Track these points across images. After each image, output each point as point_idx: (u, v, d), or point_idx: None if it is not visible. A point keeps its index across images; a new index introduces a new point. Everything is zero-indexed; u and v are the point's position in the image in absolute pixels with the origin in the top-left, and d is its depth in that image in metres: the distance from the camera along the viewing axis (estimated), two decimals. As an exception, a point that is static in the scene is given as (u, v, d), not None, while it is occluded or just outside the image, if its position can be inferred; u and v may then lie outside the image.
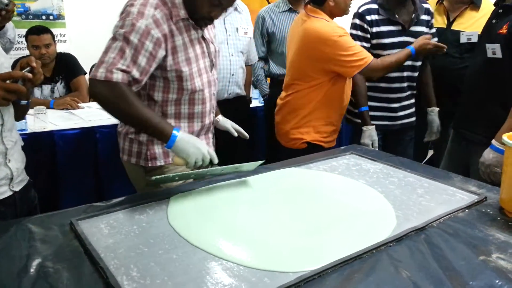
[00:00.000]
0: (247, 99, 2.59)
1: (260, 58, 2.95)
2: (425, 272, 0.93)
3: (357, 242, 1.04)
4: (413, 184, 1.45)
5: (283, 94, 2.29)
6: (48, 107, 2.64)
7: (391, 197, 1.35)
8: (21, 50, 3.71)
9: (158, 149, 1.53)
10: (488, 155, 1.75)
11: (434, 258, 0.99)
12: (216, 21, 2.23)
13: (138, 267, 0.93)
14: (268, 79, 3.05)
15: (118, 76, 1.26)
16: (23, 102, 1.34)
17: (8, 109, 1.25)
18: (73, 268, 0.93)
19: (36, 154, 2.16)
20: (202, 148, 1.29)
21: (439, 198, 1.35)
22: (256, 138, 3.12)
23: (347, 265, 0.95)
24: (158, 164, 1.54)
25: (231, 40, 2.24)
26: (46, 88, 3.02)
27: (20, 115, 1.39)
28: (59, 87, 3.04)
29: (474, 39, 2.40)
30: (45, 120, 2.31)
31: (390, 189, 1.41)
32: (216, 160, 1.33)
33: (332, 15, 2.15)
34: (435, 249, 1.03)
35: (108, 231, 1.10)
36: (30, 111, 2.34)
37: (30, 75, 1.16)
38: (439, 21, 2.61)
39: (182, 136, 1.29)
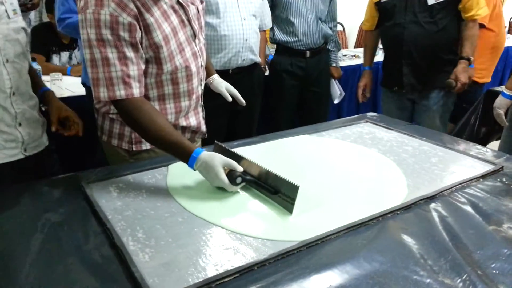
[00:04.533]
0: (262, 68, 2.52)
1: None
2: (431, 240, 0.92)
3: (366, 210, 1.03)
4: (428, 153, 1.42)
5: None
6: (65, 74, 2.66)
7: (403, 165, 1.32)
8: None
9: None
10: (497, 99, 2.12)
11: (442, 227, 0.97)
12: None
13: (144, 229, 0.95)
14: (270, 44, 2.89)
15: (121, 93, 1.15)
16: None
17: (19, 74, 1.27)
18: (81, 229, 0.95)
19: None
20: (224, 179, 1.09)
21: (453, 167, 1.31)
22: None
23: (351, 231, 0.95)
24: (144, 148, 1.37)
25: (242, 3, 2.14)
26: (64, 55, 3.03)
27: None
28: (77, 54, 3.05)
29: None
30: (61, 86, 2.33)
31: (403, 157, 1.38)
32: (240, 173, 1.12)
33: None
34: (444, 218, 1.01)
35: (117, 194, 1.11)
36: (47, 77, 2.38)
37: None
38: None
39: (202, 160, 1.11)
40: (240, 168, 1.12)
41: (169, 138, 1.15)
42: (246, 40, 2.19)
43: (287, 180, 1.05)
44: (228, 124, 2.35)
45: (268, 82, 2.74)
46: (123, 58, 1.15)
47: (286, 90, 2.70)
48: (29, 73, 1.35)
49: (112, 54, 1.13)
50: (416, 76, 2.35)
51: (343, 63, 3.21)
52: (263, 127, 2.57)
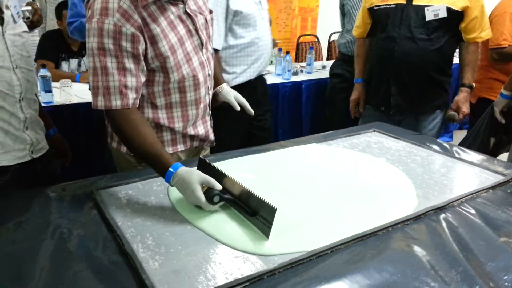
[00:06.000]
0: None
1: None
2: (441, 251, 0.91)
3: (375, 220, 1.03)
4: (436, 163, 1.41)
5: None
6: (74, 81, 2.69)
7: (412, 175, 1.31)
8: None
9: None
10: (496, 99, 2.22)
11: (452, 238, 0.97)
12: None
13: (153, 236, 0.95)
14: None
15: (117, 103, 1.16)
16: None
17: (27, 80, 1.28)
18: (91, 236, 0.96)
19: (61, 126, 2.21)
20: (200, 197, 1.03)
21: (462, 177, 1.31)
22: (280, 115, 3.10)
23: (361, 241, 0.94)
24: None
25: (263, 13, 2.21)
26: (73, 62, 3.06)
27: None
28: (86, 61, 3.08)
29: (443, 13, 2.00)
30: (70, 93, 2.35)
31: (412, 167, 1.38)
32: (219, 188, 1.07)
33: None
34: (454, 229, 1.00)
35: (126, 201, 1.12)
36: (56, 84, 2.40)
37: None
38: None
39: (179, 176, 1.06)
40: (218, 186, 1.05)
41: (149, 150, 1.13)
42: (271, 47, 2.27)
43: (266, 202, 0.98)
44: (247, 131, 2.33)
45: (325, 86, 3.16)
46: (122, 69, 1.16)
47: (338, 94, 2.93)
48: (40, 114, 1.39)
49: (111, 64, 1.14)
50: (405, 97, 2.16)
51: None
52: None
